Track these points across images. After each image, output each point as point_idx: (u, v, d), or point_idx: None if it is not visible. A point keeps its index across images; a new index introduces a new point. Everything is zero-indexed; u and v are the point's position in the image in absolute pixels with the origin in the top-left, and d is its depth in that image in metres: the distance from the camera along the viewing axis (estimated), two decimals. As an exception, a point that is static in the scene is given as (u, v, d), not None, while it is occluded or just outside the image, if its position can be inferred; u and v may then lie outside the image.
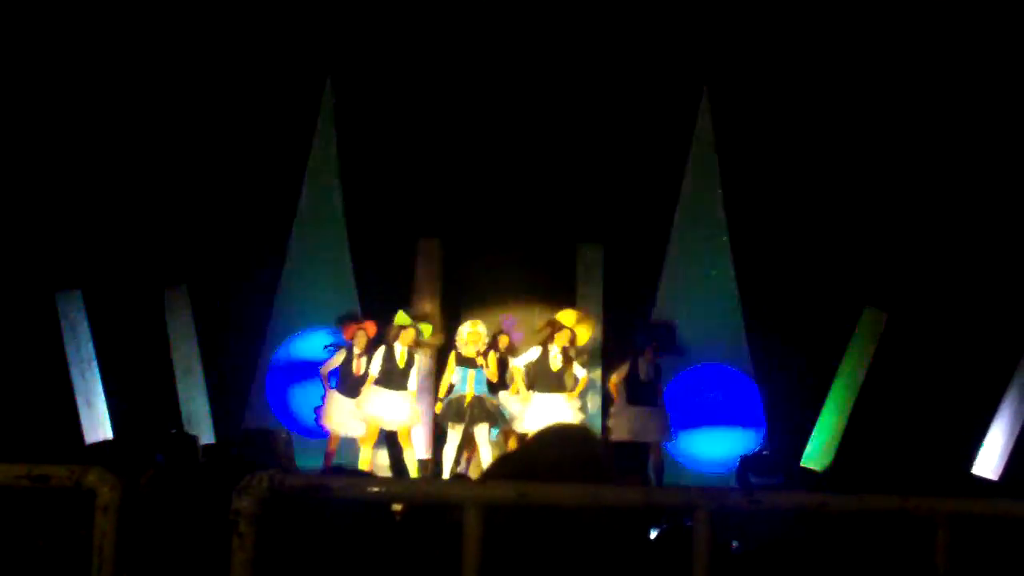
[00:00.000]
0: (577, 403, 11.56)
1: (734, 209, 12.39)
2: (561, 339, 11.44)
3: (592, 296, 12.72)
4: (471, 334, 11.30)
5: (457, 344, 11.39)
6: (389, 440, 11.78)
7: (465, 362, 11.26)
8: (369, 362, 11.28)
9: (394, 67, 12.84)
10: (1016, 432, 11.59)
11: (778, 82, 12.38)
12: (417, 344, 11.41)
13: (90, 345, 12.44)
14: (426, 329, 11.70)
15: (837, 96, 12.26)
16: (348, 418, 11.29)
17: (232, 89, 12.69)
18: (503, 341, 11.66)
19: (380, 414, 11.17)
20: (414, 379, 11.35)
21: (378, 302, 12.60)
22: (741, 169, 12.56)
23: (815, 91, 12.32)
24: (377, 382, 11.20)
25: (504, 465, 2.40)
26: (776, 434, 11.90)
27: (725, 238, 12.34)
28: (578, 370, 11.60)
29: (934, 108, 12.08)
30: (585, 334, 11.79)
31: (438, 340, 11.82)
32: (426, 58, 12.83)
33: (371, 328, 11.51)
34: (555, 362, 11.36)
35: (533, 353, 11.46)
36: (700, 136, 12.63)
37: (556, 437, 2.32)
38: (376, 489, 1.73)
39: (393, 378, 11.22)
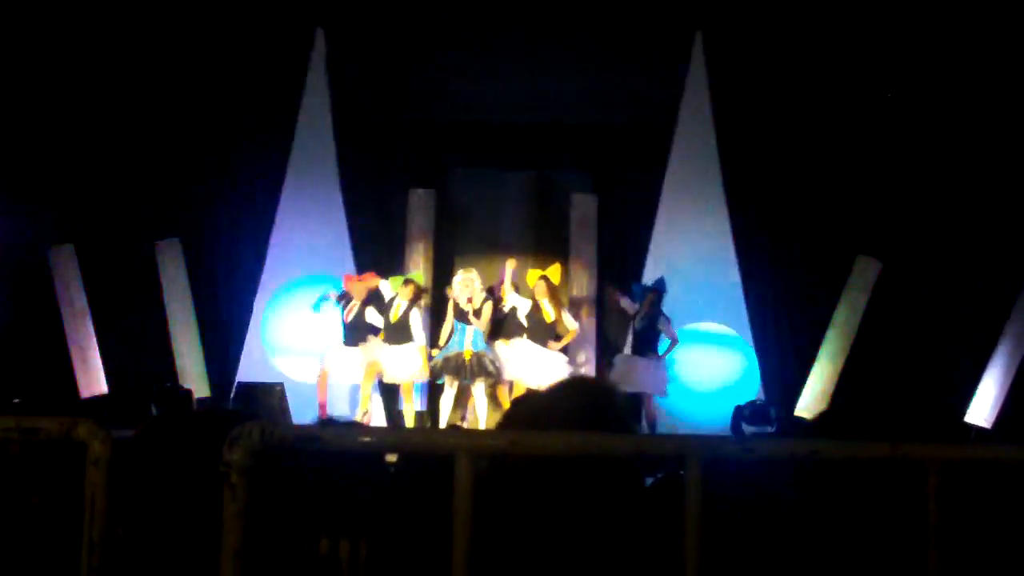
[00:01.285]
0: (564, 355, 11.64)
1: (728, 157, 12.34)
2: (540, 292, 11.48)
3: (586, 247, 12.71)
4: (462, 281, 11.34)
5: (451, 294, 11.45)
6: (388, 393, 11.83)
7: (461, 316, 11.30)
8: (362, 312, 11.36)
9: (385, 16, 12.74)
10: (1009, 380, 11.64)
11: (773, 27, 12.29)
12: (419, 295, 11.45)
13: (84, 300, 12.44)
14: (418, 277, 11.75)
15: (832, 40, 12.18)
16: (351, 366, 11.37)
17: (222, 41, 12.59)
18: (503, 290, 11.67)
19: (385, 365, 11.25)
20: (418, 332, 11.41)
21: (372, 253, 12.60)
22: (735, 117, 12.51)
23: (810, 37, 12.23)
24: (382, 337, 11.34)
25: (516, 415, 2.40)
26: (770, 383, 11.94)
27: (719, 186, 12.30)
28: (569, 321, 11.65)
29: (929, 56, 12.01)
30: (555, 274, 11.76)
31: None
32: (416, 5, 12.72)
33: (371, 280, 11.55)
34: (548, 314, 11.42)
35: (525, 305, 11.50)
36: (693, 83, 12.56)
37: (572, 389, 2.32)
38: (367, 439, 1.73)
39: (393, 332, 11.28)
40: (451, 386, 11.29)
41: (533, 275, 11.65)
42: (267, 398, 10.87)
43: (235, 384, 11.68)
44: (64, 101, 12.51)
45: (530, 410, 2.28)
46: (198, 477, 2.12)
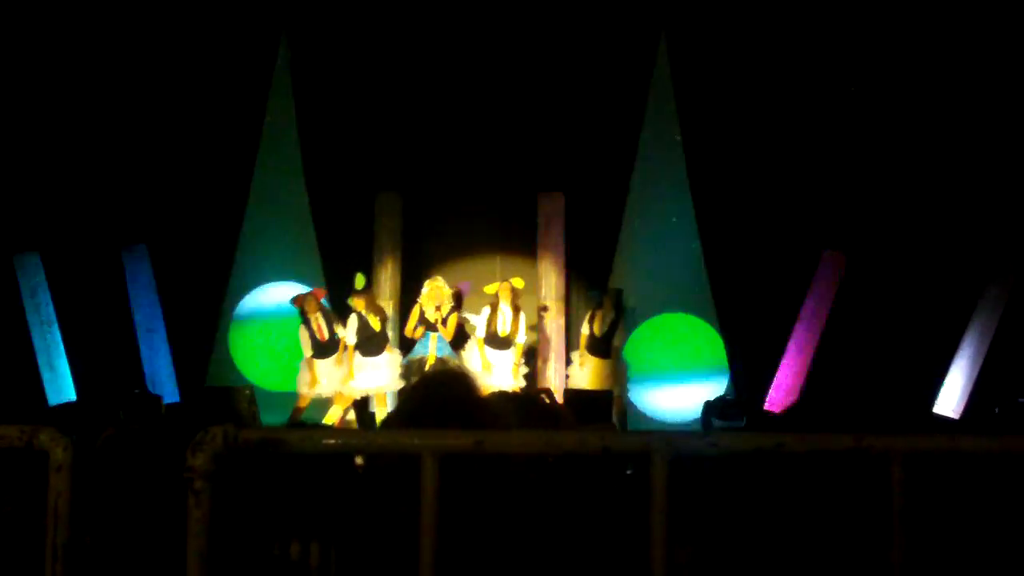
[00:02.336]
0: (520, 358, 11.61)
1: (694, 154, 12.38)
2: (505, 296, 11.45)
3: (553, 246, 12.72)
4: (432, 290, 11.28)
5: (420, 301, 11.38)
6: (360, 400, 11.76)
7: (427, 325, 11.25)
8: (328, 327, 11.23)
9: (349, 22, 12.71)
10: (976, 371, 11.72)
11: (736, 26, 12.34)
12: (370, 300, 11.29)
13: (50, 307, 12.35)
14: (359, 280, 11.41)
15: (795, 39, 12.24)
16: (324, 378, 11.23)
17: (187, 47, 12.53)
18: (465, 301, 11.67)
19: (364, 384, 11.14)
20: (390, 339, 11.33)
21: (340, 257, 12.56)
22: (700, 114, 12.54)
23: (774, 35, 12.29)
24: (356, 351, 11.15)
25: (398, 417, 2.40)
26: (740, 378, 11.98)
27: (685, 184, 12.34)
28: (521, 334, 11.56)
29: (891, 50, 12.09)
30: (519, 281, 11.71)
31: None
32: (380, 11, 12.70)
33: (319, 292, 11.43)
34: (504, 323, 11.38)
35: (484, 314, 11.50)
36: (658, 82, 12.60)
37: (433, 382, 2.33)
38: (332, 441, 1.72)
39: (370, 344, 11.14)
40: None
41: (494, 286, 11.59)
42: (236, 401, 10.80)
43: (204, 389, 11.62)
44: (28, 107, 12.41)
45: (406, 409, 2.30)
46: (165, 482, 2.11)
